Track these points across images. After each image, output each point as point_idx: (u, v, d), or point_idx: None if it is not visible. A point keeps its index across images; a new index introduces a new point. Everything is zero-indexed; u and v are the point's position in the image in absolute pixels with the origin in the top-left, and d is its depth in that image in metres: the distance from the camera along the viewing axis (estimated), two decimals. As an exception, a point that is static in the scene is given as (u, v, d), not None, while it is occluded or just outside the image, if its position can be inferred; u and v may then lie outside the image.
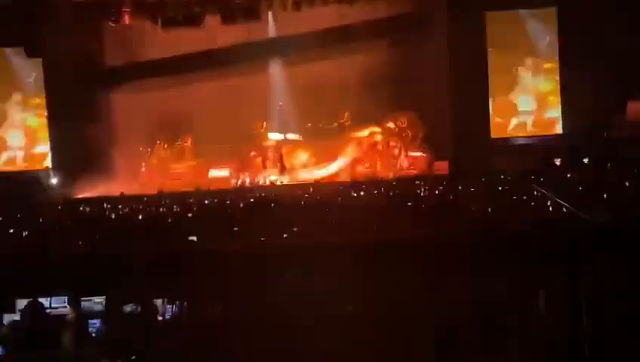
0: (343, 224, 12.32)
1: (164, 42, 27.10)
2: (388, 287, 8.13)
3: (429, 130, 26.66)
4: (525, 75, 25.16)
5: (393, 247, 9.13)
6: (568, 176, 18.60)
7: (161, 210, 17.37)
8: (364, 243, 9.41)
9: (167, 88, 27.83)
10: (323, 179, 25.69)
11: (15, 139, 26.18)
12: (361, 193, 18.57)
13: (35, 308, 8.42)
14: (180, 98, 27.46)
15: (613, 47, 23.34)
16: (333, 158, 26.78)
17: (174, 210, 17.18)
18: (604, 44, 23.37)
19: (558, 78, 24.87)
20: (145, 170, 27.55)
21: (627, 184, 14.88)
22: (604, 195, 13.44)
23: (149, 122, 27.45)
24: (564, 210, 12.81)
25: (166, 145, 28.06)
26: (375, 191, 18.71)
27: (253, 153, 27.19)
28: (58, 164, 25.49)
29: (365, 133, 26.80)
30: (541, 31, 24.95)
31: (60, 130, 25.43)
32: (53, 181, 25.29)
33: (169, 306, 8.56)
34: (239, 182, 25.93)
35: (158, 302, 8.56)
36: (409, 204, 15.16)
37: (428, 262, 8.59)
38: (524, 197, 14.83)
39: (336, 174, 26.41)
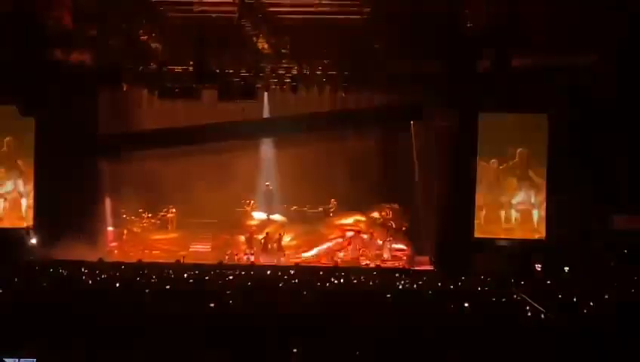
0: (319, 309, 12.28)
1: (157, 113, 27.30)
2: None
3: (412, 224, 26.81)
4: (512, 177, 25.33)
5: (366, 335, 9.14)
6: (547, 282, 18.62)
7: (137, 279, 17.24)
8: (338, 329, 9.40)
9: (156, 158, 27.95)
10: (305, 262, 25.64)
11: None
12: (341, 280, 18.49)
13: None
14: (168, 169, 27.58)
15: (601, 158, 23.67)
16: (316, 243, 26.80)
17: (152, 280, 17.05)
18: (593, 153, 23.71)
19: (544, 183, 25.04)
20: (126, 237, 27.46)
21: (606, 296, 14.90)
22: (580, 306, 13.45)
23: (135, 190, 27.46)
24: (542, 316, 12.79)
25: (149, 215, 28.03)
26: (354, 280, 18.64)
27: (236, 231, 27.15)
28: (39, 224, 25.36)
29: (350, 220, 26.91)
30: (531, 136, 25.21)
31: (45, 190, 25.38)
32: (33, 241, 25.14)
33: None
34: (221, 260, 25.81)
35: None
36: (387, 295, 15.11)
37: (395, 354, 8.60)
38: (503, 300, 14.81)
39: (318, 259, 26.38)
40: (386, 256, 26.13)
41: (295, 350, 8.31)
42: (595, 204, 23.81)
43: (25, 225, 25.35)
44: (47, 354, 8.55)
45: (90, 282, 16.59)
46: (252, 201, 27.80)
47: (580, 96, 23.79)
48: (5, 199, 25.73)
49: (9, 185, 25.72)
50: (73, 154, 25.57)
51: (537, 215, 25.05)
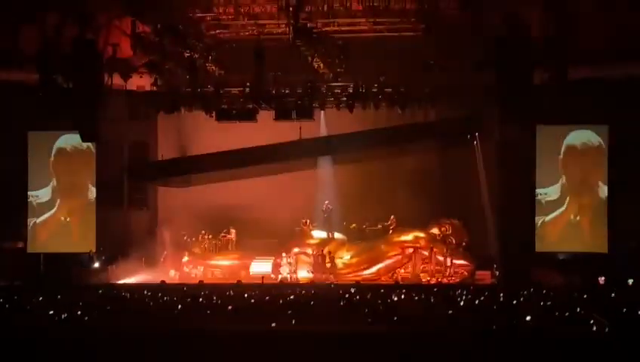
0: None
1: (215, 136, 27.58)
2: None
3: (473, 239, 26.62)
4: (573, 190, 25.10)
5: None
6: (612, 295, 18.34)
7: (200, 300, 17.41)
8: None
9: (215, 180, 28.21)
10: (365, 279, 25.58)
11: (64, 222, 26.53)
12: (402, 296, 18.44)
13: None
14: (227, 191, 27.84)
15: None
16: (375, 260, 26.73)
17: (214, 301, 17.21)
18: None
19: (606, 196, 24.75)
20: (187, 259, 27.70)
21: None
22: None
23: (195, 213, 27.71)
24: (607, 329, 12.64)
25: (210, 236, 28.25)
26: (415, 296, 18.57)
27: (296, 249, 27.20)
28: (102, 248, 25.76)
29: (409, 237, 26.77)
30: (592, 148, 24.97)
31: (106, 215, 25.80)
32: (96, 264, 25.55)
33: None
34: (280, 278, 25.90)
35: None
36: (450, 311, 15.06)
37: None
38: (567, 314, 14.65)
39: (378, 276, 26.33)
40: (447, 271, 25.95)
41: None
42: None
43: (88, 249, 25.77)
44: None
45: (151, 304, 16.80)
46: (308, 220, 27.80)
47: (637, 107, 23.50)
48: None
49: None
50: (134, 179, 25.93)
51: (600, 228, 24.76)
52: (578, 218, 24.98)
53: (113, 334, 11.29)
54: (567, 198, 25.11)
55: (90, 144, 25.46)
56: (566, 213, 25.07)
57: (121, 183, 25.71)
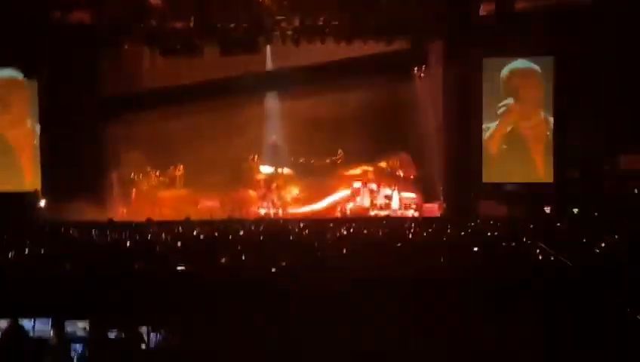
0: (331, 261, 12.31)
1: (160, 72, 27.16)
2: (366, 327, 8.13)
3: (420, 172, 26.78)
4: (518, 121, 25.28)
5: (378, 285, 9.14)
6: (557, 225, 18.62)
7: (149, 237, 17.27)
8: (353, 281, 9.40)
9: (161, 117, 27.85)
10: (313, 214, 25.68)
11: (5, 159, 26.00)
12: (351, 230, 18.51)
13: (16, 330, 8.34)
14: (173, 127, 27.48)
15: (606, 99, 23.54)
16: (324, 195, 26.82)
17: (163, 238, 17.08)
18: (598, 94, 23.57)
19: (551, 125, 24.98)
20: (135, 197, 27.48)
21: (616, 236, 14.88)
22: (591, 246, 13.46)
23: (142, 149, 27.44)
24: (552, 258, 12.81)
25: (158, 173, 28.03)
26: (364, 230, 18.66)
27: (244, 186, 27.15)
28: (48, 187, 25.39)
29: (357, 171, 26.87)
30: (536, 79, 25.11)
31: (52, 153, 25.38)
32: (42, 204, 25.20)
33: (153, 334, 8.50)
34: (229, 215, 25.84)
35: (143, 329, 8.49)
36: (398, 244, 15.12)
37: (410, 303, 8.60)
38: (513, 244, 14.81)
39: (326, 211, 26.42)
40: (394, 205, 26.13)
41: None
42: (603, 144, 23.75)
43: (33, 188, 25.38)
44: (64, 316, 8.58)
45: (100, 243, 16.63)
46: (256, 156, 27.71)
47: (582, 37, 23.57)
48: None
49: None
50: (77, 116, 25.49)
51: (545, 158, 25.03)
52: (525, 148, 25.21)
53: (58, 273, 11.15)
54: (512, 129, 25.31)
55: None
56: (512, 144, 25.28)
57: (67, 119, 25.19)
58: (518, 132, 25.29)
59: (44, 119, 25.54)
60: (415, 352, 7.79)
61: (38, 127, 25.62)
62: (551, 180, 24.73)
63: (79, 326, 8.65)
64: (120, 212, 26.32)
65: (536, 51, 24.76)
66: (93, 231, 18.96)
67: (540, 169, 25.02)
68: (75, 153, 25.18)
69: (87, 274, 10.80)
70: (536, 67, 25.05)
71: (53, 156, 25.40)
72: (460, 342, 7.80)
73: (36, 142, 25.64)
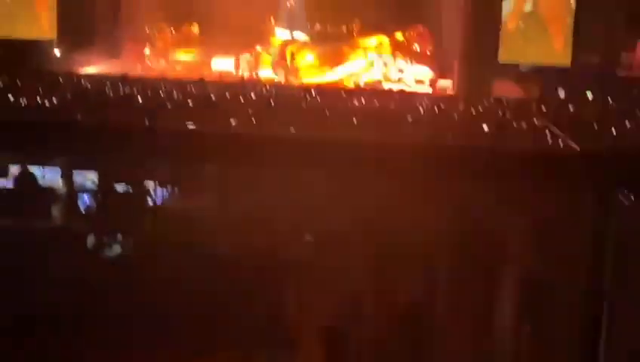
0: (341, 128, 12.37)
1: None
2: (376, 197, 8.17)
3: (437, 47, 26.43)
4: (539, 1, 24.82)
5: (388, 153, 9.18)
6: (570, 108, 18.54)
7: (160, 93, 17.27)
8: (360, 146, 9.42)
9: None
10: (327, 83, 25.52)
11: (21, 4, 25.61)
12: (362, 101, 18.48)
13: (26, 176, 8.42)
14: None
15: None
16: (338, 63, 26.55)
17: (175, 96, 17.09)
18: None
19: (573, 7, 24.50)
20: (150, 53, 27.30)
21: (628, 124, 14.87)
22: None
23: (158, 3, 27.07)
24: (560, 141, 12.82)
25: (172, 29, 27.77)
26: (376, 102, 18.62)
27: (258, 48, 26.90)
28: (62, 35, 25.19)
29: (373, 41, 26.50)
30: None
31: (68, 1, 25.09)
32: (56, 51, 25.06)
33: (160, 189, 8.57)
34: (242, 75, 25.72)
35: (150, 184, 8.55)
36: (409, 119, 15.14)
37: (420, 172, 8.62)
38: (524, 125, 14.81)
39: (340, 80, 26.23)
40: (408, 79, 25.90)
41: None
42: (622, 29, 23.39)
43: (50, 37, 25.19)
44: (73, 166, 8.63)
45: (112, 96, 16.65)
46: (272, 18, 27.33)
47: None
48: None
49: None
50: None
51: (564, 39, 24.67)
52: (543, 29, 24.81)
53: (70, 123, 11.20)
54: (532, 9, 24.84)
55: None
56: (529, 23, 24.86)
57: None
58: (538, 11, 24.82)
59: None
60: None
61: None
62: (568, 64, 24.43)
63: (88, 178, 8.72)
64: (134, 67, 26.16)
65: None
66: (107, 84, 18.93)
67: (558, 51, 24.68)
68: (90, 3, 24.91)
69: (98, 126, 10.84)
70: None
71: (68, 5, 25.08)
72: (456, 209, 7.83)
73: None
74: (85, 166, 8.81)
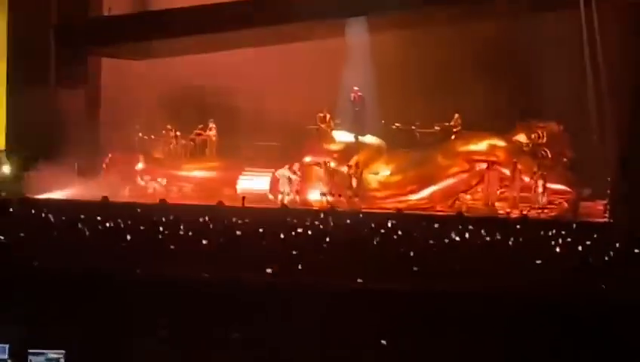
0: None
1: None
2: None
3: (578, 153, 26.44)
4: None
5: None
6: None
7: (160, 229, 17.42)
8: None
9: (184, 50, 28.07)
10: (412, 207, 25.60)
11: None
12: (466, 235, 18.44)
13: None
14: (203, 67, 27.58)
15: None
16: (429, 180, 26.67)
17: (180, 232, 17.23)
18: None
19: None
20: (143, 166, 27.76)
21: None
22: None
23: (156, 98, 27.68)
24: None
25: (177, 134, 28.27)
26: (487, 236, 18.56)
27: (308, 159, 27.18)
28: (16, 146, 25.79)
29: (482, 146, 26.63)
30: None
31: (23, 96, 25.77)
32: (6, 170, 25.58)
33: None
34: (281, 200, 25.95)
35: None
36: (537, 262, 15.02)
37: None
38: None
39: (429, 202, 26.32)
40: (538, 200, 25.88)
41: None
42: None
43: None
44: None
45: (88, 234, 16.79)
46: (328, 115, 27.66)
47: None
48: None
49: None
50: (65, 44, 25.88)
51: None
52: None
53: (28, 275, 11.29)
54: None
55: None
56: None
57: (46, 50, 25.60)
58: None
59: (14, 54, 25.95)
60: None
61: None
62: None
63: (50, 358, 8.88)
64: (120, 188, 26.56)
65: None
66: (80, 218, 19.11)
67: None
68: (54, 99, 25.62)
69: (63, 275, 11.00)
70: None
71: (23, 103, 25.80)
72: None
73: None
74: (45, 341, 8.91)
